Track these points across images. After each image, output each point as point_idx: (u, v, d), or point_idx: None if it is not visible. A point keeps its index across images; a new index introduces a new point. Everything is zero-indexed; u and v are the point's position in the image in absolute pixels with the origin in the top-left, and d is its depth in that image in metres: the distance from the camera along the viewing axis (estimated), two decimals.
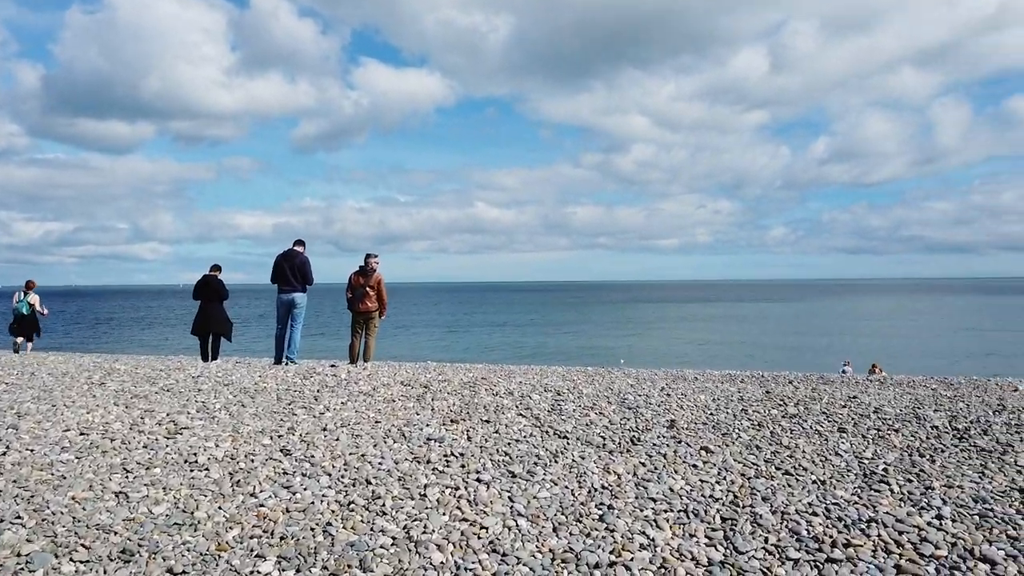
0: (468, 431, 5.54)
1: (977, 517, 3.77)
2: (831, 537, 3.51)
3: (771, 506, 3.95)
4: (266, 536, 3.47)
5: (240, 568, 3.13)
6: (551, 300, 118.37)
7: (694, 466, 4.71)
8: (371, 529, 3.56)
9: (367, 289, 10.24)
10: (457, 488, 4.18)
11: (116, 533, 3.48)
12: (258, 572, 3.11)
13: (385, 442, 5.19)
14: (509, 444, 5.18)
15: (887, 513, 3.82)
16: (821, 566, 3.21)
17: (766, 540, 3.49)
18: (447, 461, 4.75)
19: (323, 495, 4.03)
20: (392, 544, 3.39)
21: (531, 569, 3.17)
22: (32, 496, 3.92)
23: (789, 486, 4.32)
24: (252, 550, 3.31)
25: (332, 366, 10.38)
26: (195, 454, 4.77)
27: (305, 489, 4.12)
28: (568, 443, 5.25)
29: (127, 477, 4.31)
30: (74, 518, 3.65)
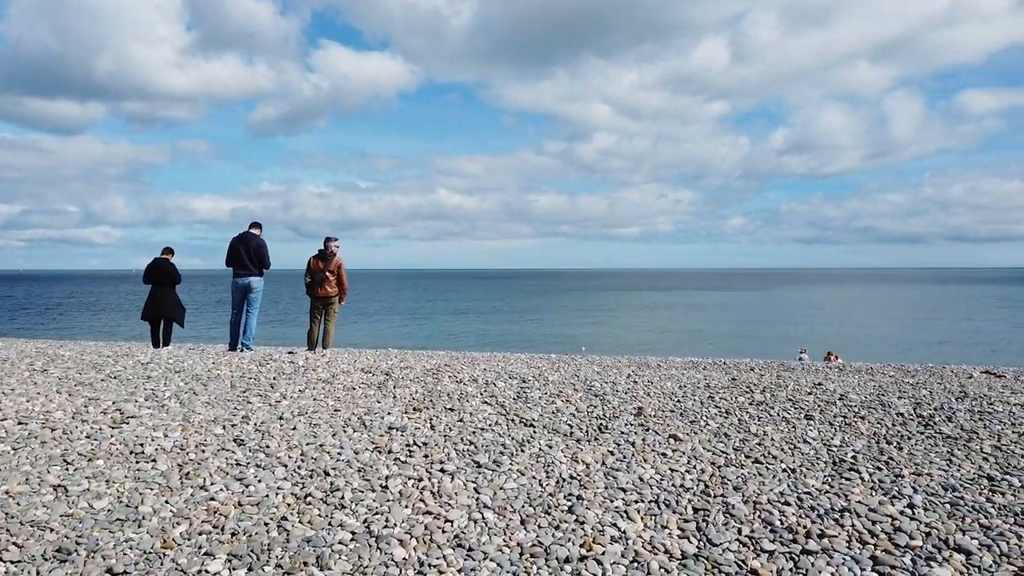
0: (431, 420, 5.37)
1: (948, 506, 3.73)
2: (805, 528, 3.43)
3: (743, 496, 3.87)
4: (216, 532, 3.26)
5: (187, 567, 2.92)
6: (513, 288, 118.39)
7: (663, 454, 4.61)
8: (329, 524, 3.37)
9: (327, 274, 9.95)
10: (420, 479, 4.01)
11: (52, 530, 3.23)
12: (206, 571, 2.90)
13: (344, 431, 4.99)
14: (474, 433, 5.03)
15: (859, 502, 3.77)
16: (797, 558, 3.12)
17: (740, 531, 3.40)
18: (409, 451, 4.58)
19: (278, 488, 3.82)
20: (351, 539, 3.21)
21: (499, 564, 3.01)
22: None
23: (760, 475, 4.25)
24: (201, 547, 3.10)
25: (290, 352, 10.09)
26: (142, 445, 4.51)
27: (259, 481, 3.91)
28: (535, 431, 5.11)
29: (67, 469, 4.04)
30: (7, 514, 3.38)
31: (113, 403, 5.65)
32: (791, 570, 3.02)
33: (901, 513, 3.62)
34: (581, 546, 3.20)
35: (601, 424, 5.32)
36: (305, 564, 2.96)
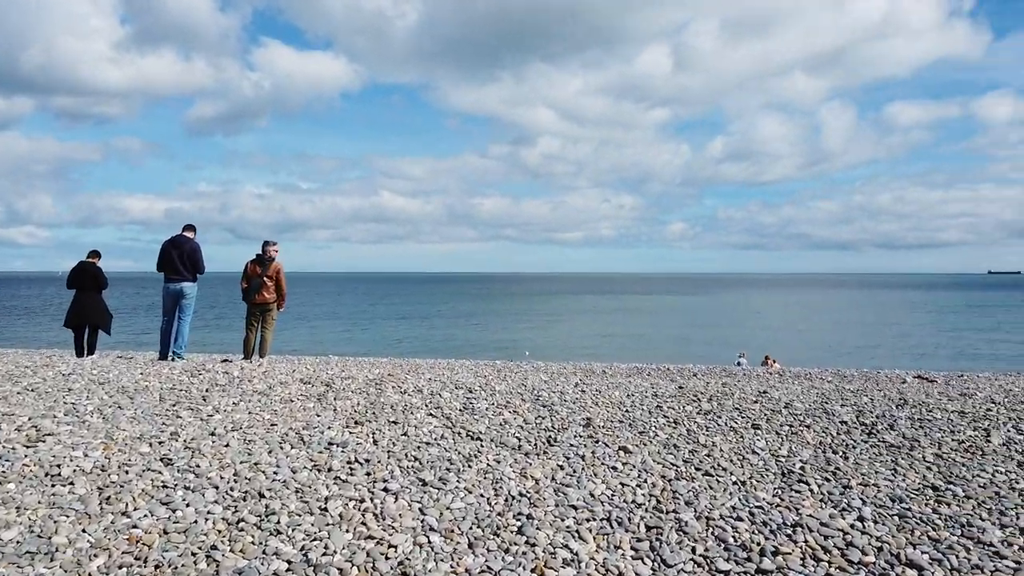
0: (374, 434, 5.15)
1: (897, 518, 3.73)
2: (758, 544, 3.37)
3: (695, 511, 3.79)
4: (138, 564, 3.00)
5: None
6: (457, 291, 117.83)
7: (613, 468, 4.51)
8: (263, 552, 3.15)
9: (265, 279, 9.57)
10: (362, 500, 3.81)
11: None
12: None
13: (281, 448, 4.74)
14: (419, 448, 4.84)
15: (810, 516, 3.73)
16: None
17: (694, 550, 3.31)
18: (351, 469, 4.36)
19: (208, 512, 3.57)
20: (288, 570, 2.99)
21: None
22: None
23: (711, 488, 4.19)
24: None
25: (224, 361, 9.68)
26: (59, 466, 4.17)
27: (187, 505, 3.65)
28: (482, 445, 4.95)
29: None
30: None
31: (29, 419, 5.25)
32: None
33: (852, 527, 3.60)
34: (532, 571, 3.06)
35: (550, 436, 5.19)
36: None
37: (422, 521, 3.56)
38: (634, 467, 4.54)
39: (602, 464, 4.58)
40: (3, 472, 4.04)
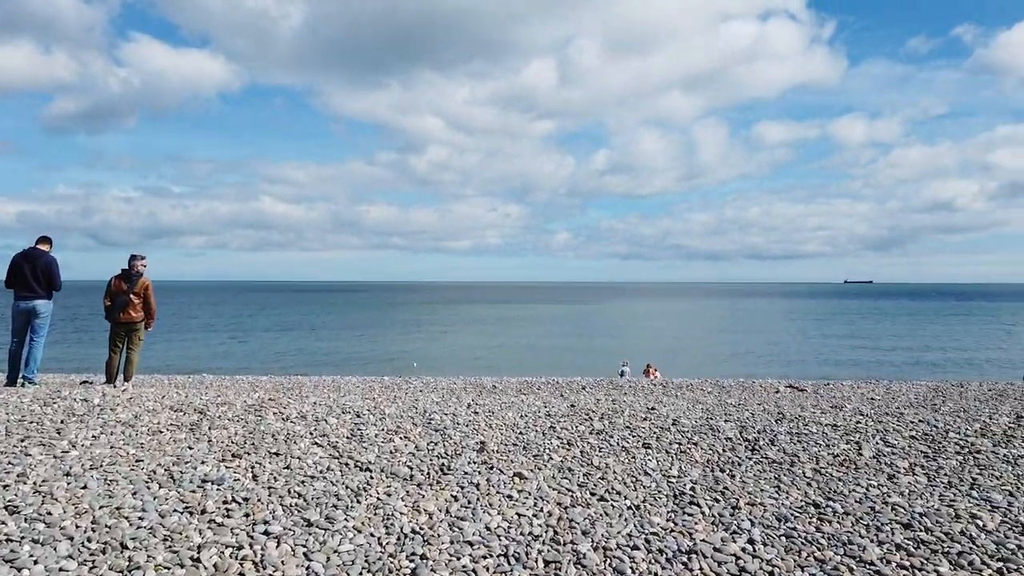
0: (253, 467, 4.80)
1: (784, 539, 3.82)
2: (656, 575, 3.34)
3: (592, 541, 3.74)
4: None
5: None
6: (342, 301, 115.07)
7: (509, 496, 4.40)
8: None
9: (131, 296, 8.83)
10: (240, 547, 3.50)
11: None
12: None
13: (148, 488, 4.31)
14: (303, 482, 4.54)
15: (704, 541, 3.76)
16: None
17: None
18: (227, 510, 4.02)
19: (60, 569, 3.17)
20: None
21: None
22: None
23: (606, 514, 4.15)
24: None
25: (84, 383, 8.88)
26: None
27: (35, 562, 3.22)
28: (372, 476, 4.72)
29: None
30: None
31: None
32: None
33: (743, 550, 3.65)
34: None
35: (443, 464, 5.02)
36: None
37: (307, 568, 3.31)
38: (530, 494, 4.45)
39: (497, 493, 4.46)
40: None
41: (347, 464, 4.96)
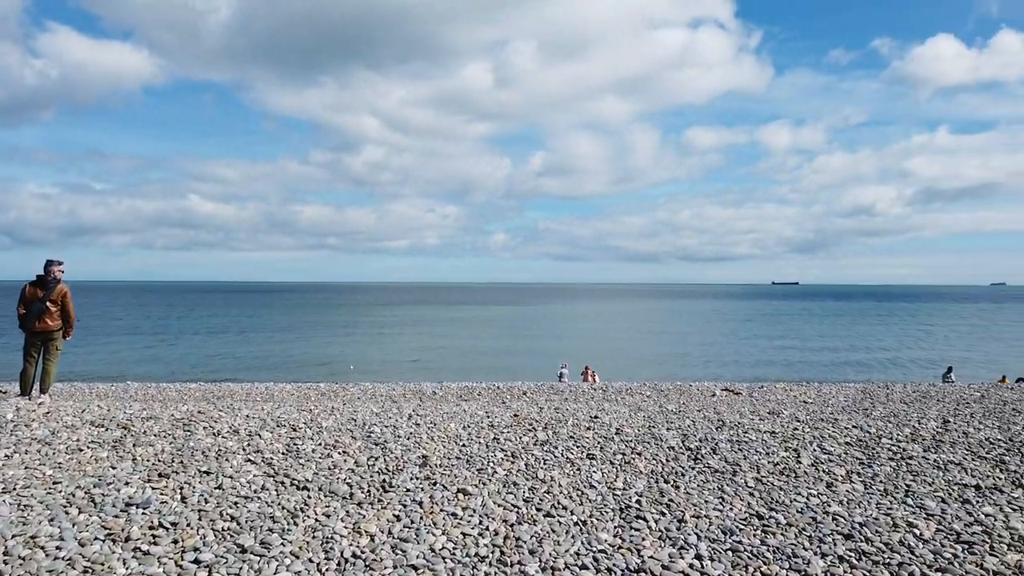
0: (182, 488, 4.54)
1: (731, 553, 3.81)
2: None
3: (540, 561, 3.65)
4: None
5: None
6: (276, 302, 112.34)
7: (454, 515, 4.28)
8: None
9: (47, 304, 8.30)
10: None
11: None
12: None
13: (67, 513, 4.02)
14: (236, 504, 4.31)
15: (652, 558, 3.72)
16: None
17: None
18: (154, 536, 3.78)
19: None
20: None
21: None
22: None
23: (553, 531, 4.07)
24: None
25: None
26: None
27: None
28: (309, 496, 4.52)
29: None
30: None
31: None
32: None
33: (691, 567, 3.63)
34: None
35: (385, 480, 4.86)
36: None
37: None
38: (475, 512, 4.33)
39: (442, 511, 4.32)
40: None
41: (283, 483, 4.74)
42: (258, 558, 3.57)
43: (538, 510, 4.42)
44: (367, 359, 32.16)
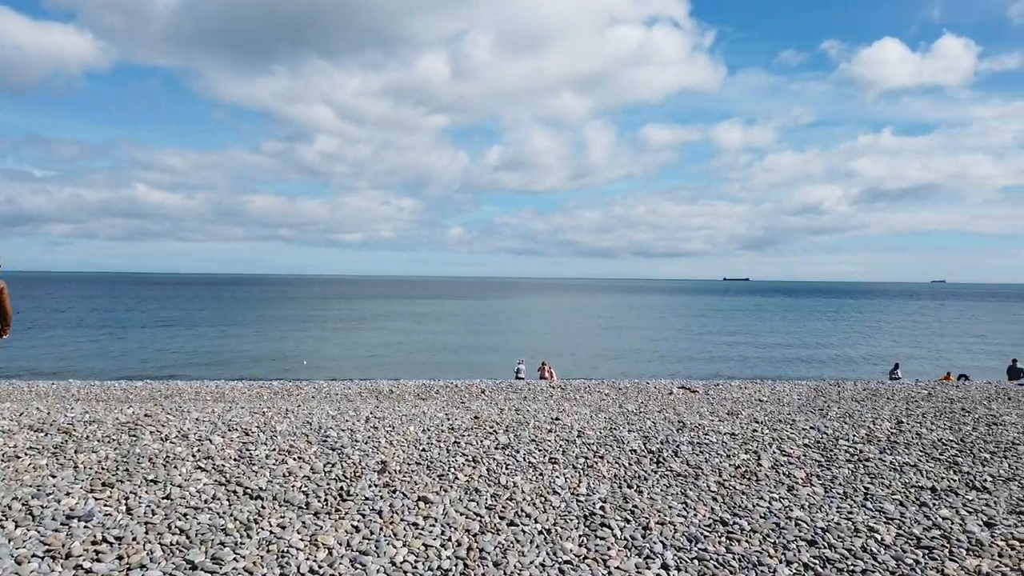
0: (128, 498, 4.32)
1: (697, 562, 3.78)
2: None
3: (504, 573, 3.56)
4: None
5: None
6: (226, 295, 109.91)
7: (414, 524, 4.16)
8: None
9: None
10: None
11: None
12: None
13: (2, 527, 3.78)
14: (185, 515, 4.11)
15: (618, 568, 3.67)
16: None
17: None
18: (97, 552, 3.57)
19: None
20: None
21: None
22: None
23: (517, 541, 3.99)
24: None
25: None
26: None
27: None
28: (263, 505, 4.34)
29: None
30: None
31: None
32: None
33: None
34: None
35: (342, 488, 4.70)
36: None
37: None
38: (436, 521, 4.22)
39: (402, 520, 4.20)
40: None
41: (235, 492, 4.55)
42: (209, 574, 3.40)
43: (501, 518, 4.33)
44: (322, 355, 31.64)
